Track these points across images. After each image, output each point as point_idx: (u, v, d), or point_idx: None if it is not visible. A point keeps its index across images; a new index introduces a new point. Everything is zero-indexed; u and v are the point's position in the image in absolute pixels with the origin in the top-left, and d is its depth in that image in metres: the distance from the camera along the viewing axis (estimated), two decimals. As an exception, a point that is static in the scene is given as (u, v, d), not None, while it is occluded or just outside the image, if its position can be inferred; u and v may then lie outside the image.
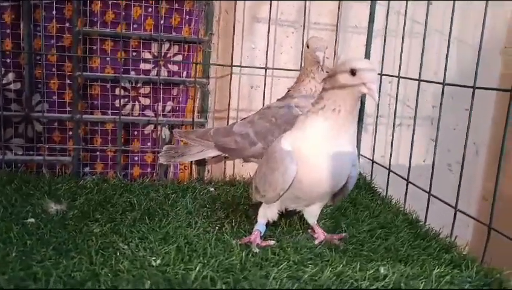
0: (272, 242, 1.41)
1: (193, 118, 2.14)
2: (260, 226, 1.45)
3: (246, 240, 1.40)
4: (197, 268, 1.17)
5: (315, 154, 1.29)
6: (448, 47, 1.57)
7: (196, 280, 1.13)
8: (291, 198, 1.39)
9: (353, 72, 1.23)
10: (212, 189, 1.89)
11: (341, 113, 1.26)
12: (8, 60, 2.04)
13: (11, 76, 2.06)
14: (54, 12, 2.04)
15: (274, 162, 1.34)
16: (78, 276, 1.11)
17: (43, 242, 1.28)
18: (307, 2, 2.07)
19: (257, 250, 1.34)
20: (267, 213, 1.46)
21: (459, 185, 1.52)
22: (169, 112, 2.24)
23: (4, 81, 2.05)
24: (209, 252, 1.29)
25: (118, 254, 1.25)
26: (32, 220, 1.43)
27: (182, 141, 1.94)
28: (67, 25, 2.07)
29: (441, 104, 1.62)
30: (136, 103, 2.21)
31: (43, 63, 2.06)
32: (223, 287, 1.11)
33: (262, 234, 1.44)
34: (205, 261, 1.23)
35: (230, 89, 2.12)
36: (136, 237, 1.37)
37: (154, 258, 1.24)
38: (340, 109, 1.26)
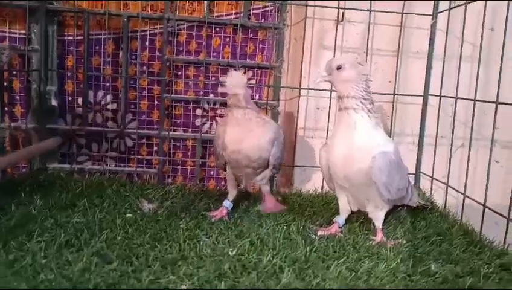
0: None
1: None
2: (338, 218, 1.74)
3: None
4: (267, 257, 1.38)
5: (330, 144, 1.66)
6: (500, 68, 1.69)
7: (267, 266, 1.34)
8: (336, 181, 1.70)
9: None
10: (279, 198, 2.08)
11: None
12: (108, 84, 2.39)
13: (109, 98, 2.41)
14: (147, 43, 2.38)
15: None
16: (170, 256, 1.35)
17: (140, 231, 1.55)
18: (370, 29, 2.25)
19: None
20: (340, 205, 1.75)
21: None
22: (242, 130, 2.48)
23: (103, 102, 2.40)
24: (277, 246, 1.48)
25: (202, 243, 1.48)
26: (130, 215, 1.71)
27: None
28: (157, 53, 2.39)
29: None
30: (214, 122, 2.48)
31: (137, 86, 2.39)
32: (289, 274, 1.29)
33: (340, 225, 1.73)
34: (274, 253, 1.42)
35: (298, 110, 2.33)
36: (215, 232, 1.60)
37: (231, 249, 1.46)
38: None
